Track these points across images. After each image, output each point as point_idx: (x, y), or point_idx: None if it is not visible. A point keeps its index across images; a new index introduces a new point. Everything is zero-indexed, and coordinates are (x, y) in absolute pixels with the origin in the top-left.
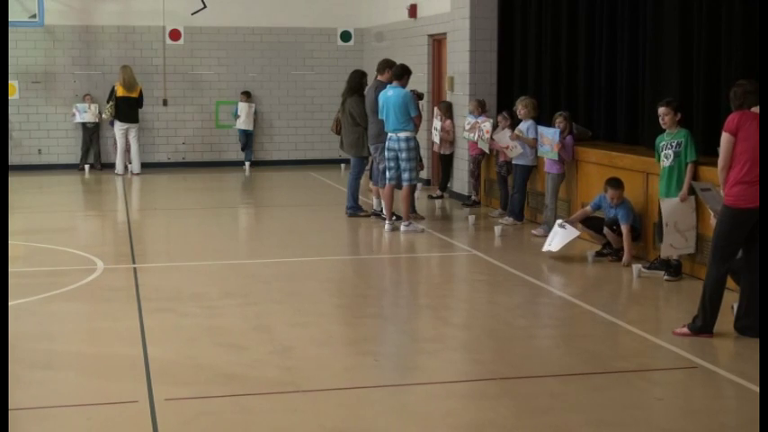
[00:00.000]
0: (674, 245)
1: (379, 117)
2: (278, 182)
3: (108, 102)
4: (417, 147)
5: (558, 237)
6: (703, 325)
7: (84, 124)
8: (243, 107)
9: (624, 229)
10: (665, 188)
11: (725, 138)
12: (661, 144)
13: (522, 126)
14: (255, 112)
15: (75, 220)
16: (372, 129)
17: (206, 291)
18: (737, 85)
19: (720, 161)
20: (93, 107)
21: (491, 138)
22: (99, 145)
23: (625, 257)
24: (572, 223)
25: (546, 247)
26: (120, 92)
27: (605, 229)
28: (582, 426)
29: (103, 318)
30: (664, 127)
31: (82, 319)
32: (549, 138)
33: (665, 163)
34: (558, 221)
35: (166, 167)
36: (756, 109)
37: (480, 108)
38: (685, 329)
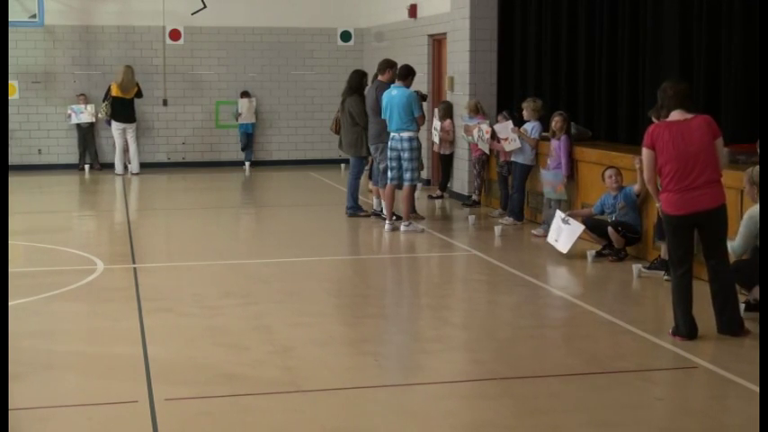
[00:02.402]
0: None
1: (383, 117)
2: (278, 182)
3: (103, 101)
4: (420, 147)
5: (564, 235)
6: (675, 327)
7: (78, 125)
8: (243, 103)
9: (621, 204)
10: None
11: (644, 153)
12: None
13: (527, 126)
14: (256, 109)
15: (75, 220)
16: (372, 129)
17: (206, 291)
18: (661, 89)
19: (645, 175)
20: (90, 107)
21: (490, 137)
22: (95, 145)
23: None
24: (574, 217)
25: (554, 244)
26: (114, 92)
27: (609, 230)
28: (582, 426)
29: (103, 318)
30: None
31: (82, 319)
32: (551, 180)
33: None
34: (561, 216)
35: (166, 167)
36: (673, 114)
37: (476, 110)
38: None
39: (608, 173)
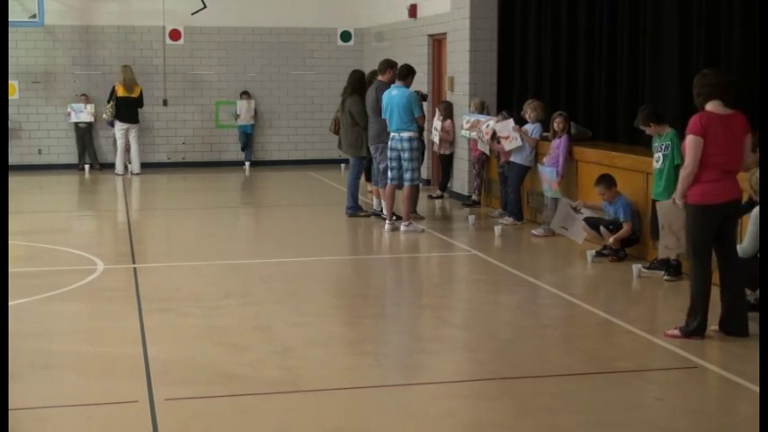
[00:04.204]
0: (668, 246)
1: (383, 117)
2: (278, 182)
3: (108, 102)
4: (420, 147)
5: (578, 225)
6: (696, 328)
7: (76, 124)
8: (242, 104)
9: (625, 226)
10: (653, 190)
11: (694, 140)
12: (654, 146)
13: (529, 127)
14: (255, 110)
15: (75, 220)
16: (372, 129)
17: (206, 291)
18: (702, 74)
19: (690, 164)
20: (90, 107)
21: (490, 138)
22: (93, 145)
23: (610, 241)
24: (588, 208)
25: (564, 232)
26: (120, 92)
27: (602, 229)
28: (582, 426)
29: (103, 318)
30: (651, 134)
31: (82, 319)
32: (548, 176)
33: (656, 165)
34: (572, 204)
35: (166, 167)
36: (711, 105)
37: (481, 108)
38: (676, 332)
39: (597, 190)
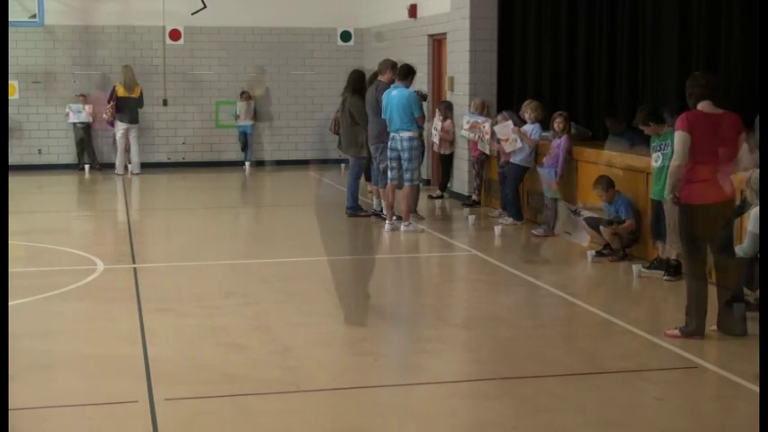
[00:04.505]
0: (672, 245)
1: (383, 117)
2: (278, 182)
3: (109, 102)
4: (419, 147)
5: (580, 227)
6: (696, 327)
7: (74, 124)
8: (242, 106)
9: (627, 223)
10: (653, 189)
11: (680, 136)
12: (652, 145)
13: (528, 127)
14: (255, 111)
15: (75, 220)
16: (373, 129)
17: (206, 291)
18: (693, 77)
19: (678, 159)
20: (88, 107)
21: (491, 137)
22: (92, 145)
23: (615, 227)
24: (588, 209)
25: (568, 237)
26: (120, 92)
27: (601, 228)
28: (582, 426)
29: (103, 318)
30: (650, 134)
31: (82, 319)
32: (546, 177)
33: (655, 165)
34: (572, 208)
35: (166, 167)
36: (701, 106)
37: (482, 108)
38: (677, 332)
39: (595, 192)
